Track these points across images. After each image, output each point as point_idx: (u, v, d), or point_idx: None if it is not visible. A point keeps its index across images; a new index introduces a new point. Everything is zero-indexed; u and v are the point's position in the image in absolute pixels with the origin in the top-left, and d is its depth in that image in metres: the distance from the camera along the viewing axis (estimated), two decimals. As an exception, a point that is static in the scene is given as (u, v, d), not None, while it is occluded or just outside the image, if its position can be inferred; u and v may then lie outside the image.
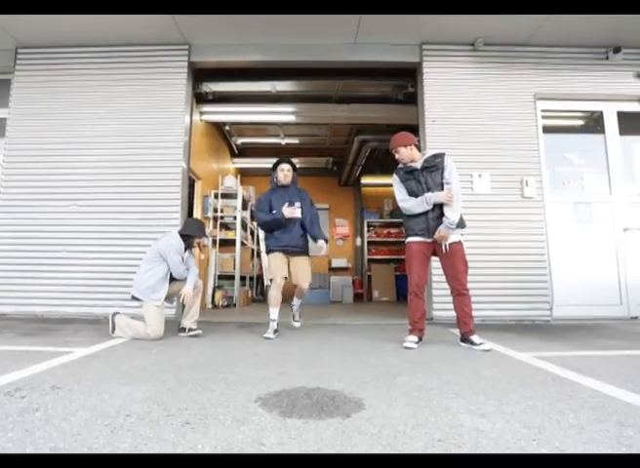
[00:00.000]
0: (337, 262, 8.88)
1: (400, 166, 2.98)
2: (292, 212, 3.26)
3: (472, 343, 2.69)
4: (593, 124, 4.64)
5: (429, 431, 1.25)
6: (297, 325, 3.60)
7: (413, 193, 2.86)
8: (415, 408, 1.48)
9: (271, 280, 3.32)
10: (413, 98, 4.97)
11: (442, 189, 2.79)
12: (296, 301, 3.63)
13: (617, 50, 4.39)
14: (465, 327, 2.75)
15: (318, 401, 1.55)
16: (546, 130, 4.50)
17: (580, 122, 4.78)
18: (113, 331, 3.03)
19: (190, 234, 3.25)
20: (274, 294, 3.27)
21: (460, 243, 2.82)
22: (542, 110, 4.51)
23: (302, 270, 3.36)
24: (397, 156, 2.94)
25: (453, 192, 2.75)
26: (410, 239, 2.88)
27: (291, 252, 3.32)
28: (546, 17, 3.94)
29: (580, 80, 4.48)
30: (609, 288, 4.23)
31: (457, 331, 3.28)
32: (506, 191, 4.26)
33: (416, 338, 2.76)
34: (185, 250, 3.23)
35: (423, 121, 4.42)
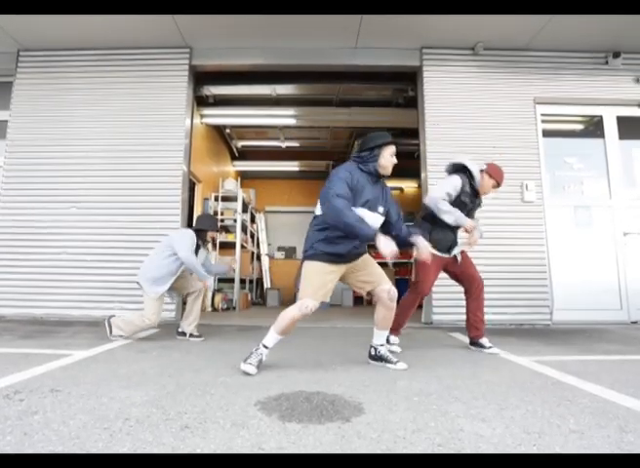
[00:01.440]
0: (337, 265, 8.86)
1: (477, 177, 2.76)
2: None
3: (483, 346, 2.70)
4: (593, 128, 4.65)
5: (429, 436, 1.25)
6: (401, 366, 2.20)
7: (459, 204, 2.69)
8: (414, 412, 1.47)
9: (306, 301, 2.12)
10: (413, 102, 4.98)
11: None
12: (388, 336, 2.40)
13: (616, 54, 4.41)
14: (478, 331, 2.76)
15: (318, 405, 1.54)
16: (546, 134, 4.51)
17: (580, 126, 4.79)
18: (111, 333, 3.01)
19: (203, 228, 3.22)
20: (291, 320, 2.12)
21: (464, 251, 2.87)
22: (542, 114, 4.52)
23: (376, 267, 2.29)
24: (495, 189, 2.81)
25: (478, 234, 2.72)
26: (434, 252, 2.67)
27: (354, 255, 2.22)
28: (549, 19, 3.94)
29: (580, 84, 4.50)
30: (609, 292, 4.22)
31: (457, 336, 3.28)
32: (506, 195, 4.25)
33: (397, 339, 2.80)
34: (198, 247, 3.20)
35: (424, 124, 4.43)
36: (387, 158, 2.19)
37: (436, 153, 4.32)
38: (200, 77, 4.89)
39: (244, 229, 6.92)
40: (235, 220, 6.54)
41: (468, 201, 2.71)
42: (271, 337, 2.16)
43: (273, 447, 1.16)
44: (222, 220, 6.59)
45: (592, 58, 4.53)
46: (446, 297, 4.04)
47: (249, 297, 6.87)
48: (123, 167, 4.33)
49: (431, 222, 2.73)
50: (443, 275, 2.92)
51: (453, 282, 4.00)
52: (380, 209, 2.22)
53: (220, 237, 6.52)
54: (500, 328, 3.88)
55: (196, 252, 3.17)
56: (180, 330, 3.17)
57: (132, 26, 4.16)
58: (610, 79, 4.51)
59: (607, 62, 4.50)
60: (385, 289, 2.20)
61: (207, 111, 5.91)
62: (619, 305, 4.22)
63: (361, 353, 2.64)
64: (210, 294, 5.70)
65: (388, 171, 2.23)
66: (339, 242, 2.11)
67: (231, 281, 6.32)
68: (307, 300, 2.09)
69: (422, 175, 4.43)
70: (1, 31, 4.22)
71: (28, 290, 4.13)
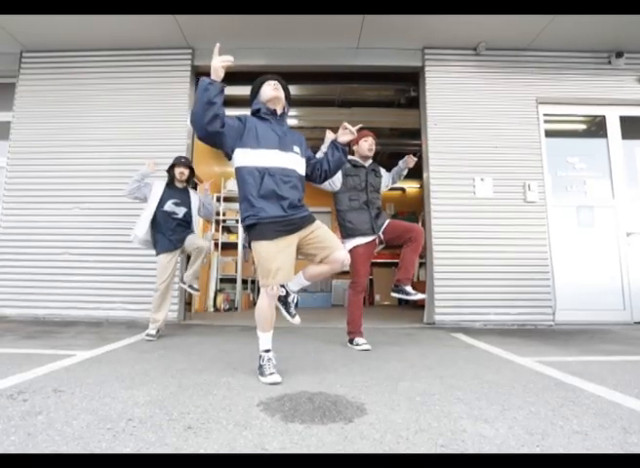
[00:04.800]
0: (338, 266, 8.86)
1: (350, 157, 3.00)
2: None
3: (407, 293, 2.73)
4: (596, 128, 4.64)
5: (432, 437, 1.25)
6: (297, 321, 2.20)
7: (352, 188, 2.94)
8: (417, 413, 1.47)
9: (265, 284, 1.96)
10: (415, 102, 4.97)
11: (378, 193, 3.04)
12: (302, 282, 2.18)
13: (619, 54, 4.39)
14: (408, 273, 2.79)
15: (320, 405, 1.55)
16: (549, 134, 4.50)
17: (583, 126, 4.77)
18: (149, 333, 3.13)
19: (171, 164, 3.35)
20: (267, 309, 1.96)
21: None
22: (545, 114, 4.51)
23: (330, 234, 2.10)
24: (365, 145, 3.01)
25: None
26: (355, 242, 2.86)
27: (300, 221, 2.02)
28: (551, 18, 3.92)
29: (583, 84, 4.48)
30: (612, 292, 4.21)
31: (459, 336, 3.28)
32: (509, 195, 4.25)
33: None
34: (170, 186, 3.33)
35: (426, 125, 4.42)
36: (265, 90, 2.20)
37: (438, 153, 4.32)
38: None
39: (246, 229, 6.92)
40: (237, 221, 6.55)
41: (357, 181, 2.94)
42: (263, 340, 2.02)
43: (276, 447, 1.16)
44: (225, 221, 6.61)
45: (595, 57, 4.52)
46: (448, 298, 4.03)
47: (251, 298, 6.88)
48: (126, 167, 4.33)
49: (343, 209, 2.91)
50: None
51: (454, 282, 4.04)
52: (296, 148, 2.12)
53: (223, 238, 6.54)
54: (503, 328, 3.88)
55: (168, 199, 3.29)
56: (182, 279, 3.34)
57: (134, 27, 4.17)
58: (613, 79, 4.49)
59: (610, 62, 4.49)
60: (342, 255, 2.05)
61: (209, 112, 5.92)
62: (622, 305, 4.20)
63: (363, 353, 2.64)
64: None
65: (272, 101, 2.16)
66: (267, 193, 1.96)
67: (233, 281, 6.33)
68: (271, 281, 1.94)
69: (425, 175, 4.43)
70: (3, 32, 4.24)
71: (31, 290, 4.14)
